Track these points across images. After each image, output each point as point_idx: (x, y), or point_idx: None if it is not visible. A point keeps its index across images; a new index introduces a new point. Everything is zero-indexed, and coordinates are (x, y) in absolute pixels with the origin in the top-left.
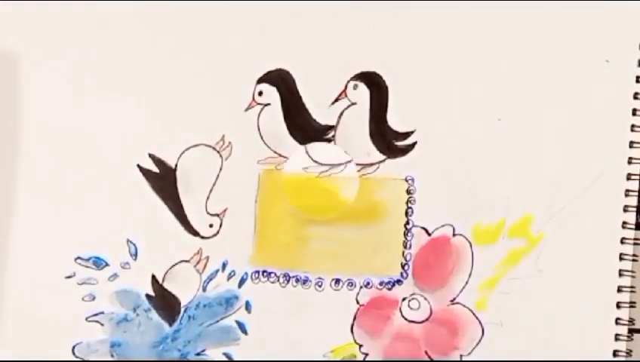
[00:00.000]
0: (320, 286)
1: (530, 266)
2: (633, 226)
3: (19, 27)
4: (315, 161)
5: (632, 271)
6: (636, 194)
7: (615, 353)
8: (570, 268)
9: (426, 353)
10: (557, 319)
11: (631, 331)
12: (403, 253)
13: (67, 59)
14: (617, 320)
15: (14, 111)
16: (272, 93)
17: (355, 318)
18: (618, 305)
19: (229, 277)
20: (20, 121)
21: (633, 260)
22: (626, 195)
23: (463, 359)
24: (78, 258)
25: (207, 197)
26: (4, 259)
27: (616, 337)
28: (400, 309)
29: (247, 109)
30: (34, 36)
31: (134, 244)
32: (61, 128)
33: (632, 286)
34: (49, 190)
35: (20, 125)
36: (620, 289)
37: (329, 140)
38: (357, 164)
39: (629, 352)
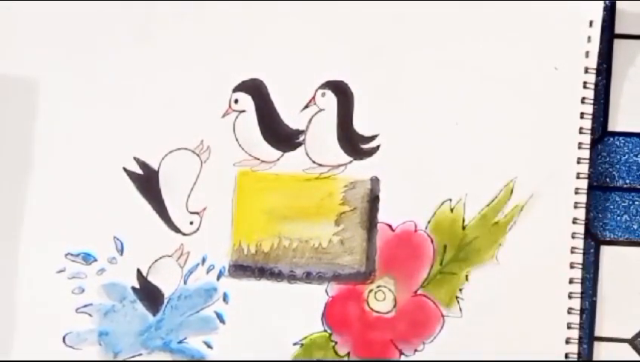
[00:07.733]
0: (292, 279)
1: (488, 263)
2: (582, 236)
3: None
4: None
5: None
6: (584, 206)
7: (567, 355)
8: (524, 268)
9: (392, 341)
10: (512, 320)
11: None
12: (369, 247)
13: (60, 73)
14: (569, 325)
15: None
16: (247, 101)
17: (325, 309)
18: (569, 311)
19: (209, 270)
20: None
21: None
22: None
23: (424, 348)
24: (69, 254)
25: (188, 197)
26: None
27: (568, 341)
28: (367, 300)
29: (224, 116)
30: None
31: (120, 241)
32: (54, 135)
33: (582, 293)
34: (42, 192)
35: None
36: (570, 296)
37: (300, 144)
38: (326, 165)
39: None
